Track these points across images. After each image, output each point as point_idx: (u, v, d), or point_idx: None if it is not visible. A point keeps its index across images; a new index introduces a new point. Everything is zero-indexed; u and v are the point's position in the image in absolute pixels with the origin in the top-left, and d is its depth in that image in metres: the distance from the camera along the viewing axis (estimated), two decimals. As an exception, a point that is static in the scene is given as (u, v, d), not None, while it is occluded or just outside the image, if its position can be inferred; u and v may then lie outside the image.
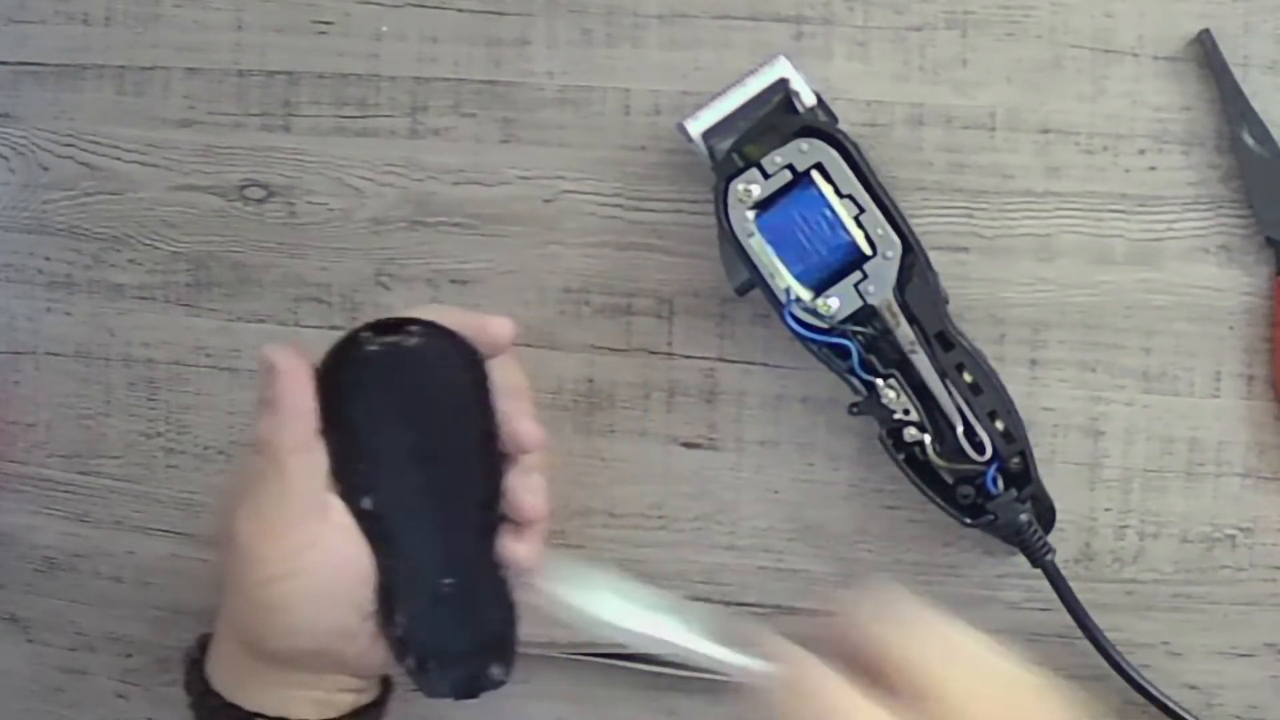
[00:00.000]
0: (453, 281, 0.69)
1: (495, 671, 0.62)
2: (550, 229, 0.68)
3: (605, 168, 0.68)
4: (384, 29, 0.69)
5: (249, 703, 0.59)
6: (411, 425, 0.60)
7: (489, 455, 0.61)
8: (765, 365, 0.68)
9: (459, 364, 0.60)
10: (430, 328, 0.59)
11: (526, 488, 0.61)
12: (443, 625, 0.61)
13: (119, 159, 0.71)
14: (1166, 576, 0.66)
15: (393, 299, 0.70)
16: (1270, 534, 0.66)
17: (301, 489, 0.58)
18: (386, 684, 0.65)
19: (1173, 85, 0.65)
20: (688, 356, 0.68)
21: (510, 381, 0.62)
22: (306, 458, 0.58)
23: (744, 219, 0.62)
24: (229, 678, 0.60)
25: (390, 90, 0.69)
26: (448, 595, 0.61)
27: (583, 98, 0.68)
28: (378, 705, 0.64)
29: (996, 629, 0.67)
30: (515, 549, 0.61)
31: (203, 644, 0.62)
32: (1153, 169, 0.65)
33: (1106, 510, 0.66)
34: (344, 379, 0.59)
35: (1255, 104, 0.64)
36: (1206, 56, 0.64)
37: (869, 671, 0.50)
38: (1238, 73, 0.64)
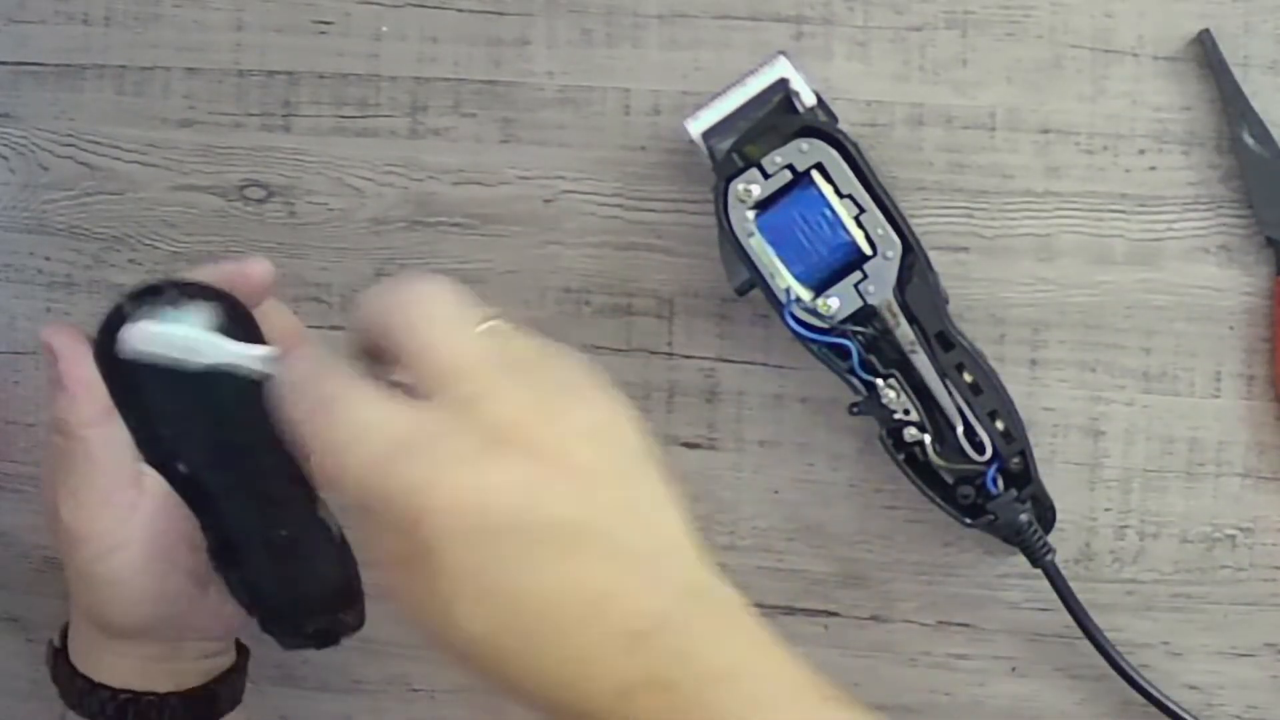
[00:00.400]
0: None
1: (348, 617, 0.62)
2: (550, 229, 0.68)
3: (605, 168, 0.68)
4: (384, 29, 0.69)
5: (114, 680, 0.60)
6: (194, 386, 0.57)
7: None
8: (765, 365, 0.68)
9: (218, 318, 0.57)
10: (182, 287, 0.57)
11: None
12: (285, 577, 0.60)
13: (119, 159, 0.71)
14: (1166, 576, 0.66)
15: (393, 299, 0.70)
16: (1270, 534, 0.66)
17: (108, 462, 0.57)
18: (242, 648, 0.65)
19: (1173, 85, 0.65)
20: (688, 356, 0.68)
21: (282, 325, 0.59)
22: (105, 430, 0.57)
23: (744, 219, 0.62)
24: (89, 659, 0.61)
25: (390, 90, 0.69)
26: (283, 547, 0.60)
27: (583, 98, 0.68)
28: (236, 671, 0.64)
29: (997, 629, 0.67)
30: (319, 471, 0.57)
31: (63, 634, 0.63)
32: (1153, 169, 0.65)
33: (1106, 510, 0.66)
34: (117, 353, 0.57)
35: (1255, 104, 0.64)
36: (1207, 56, 0.64)
37: (377, 352, 0.48)
38: (1238, 73, 0.64)
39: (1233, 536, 0.66)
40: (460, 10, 0.68)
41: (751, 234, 0.62)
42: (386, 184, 0.69)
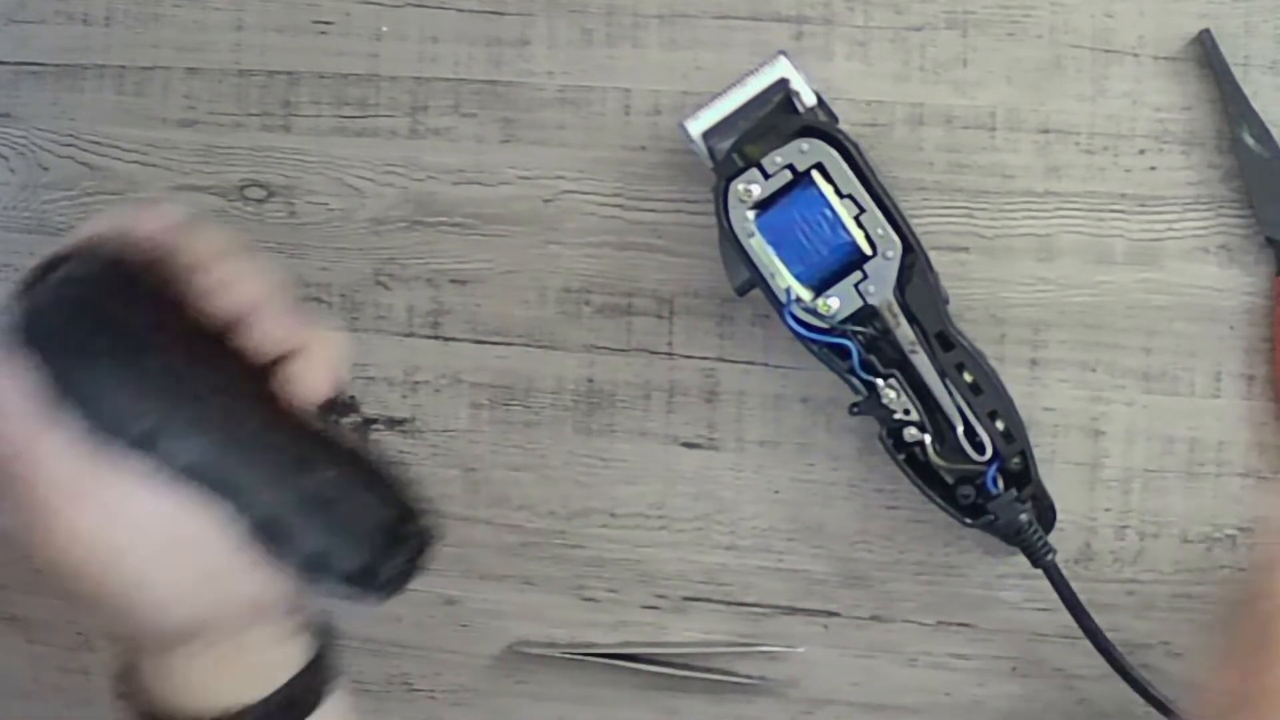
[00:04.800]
0: (452, 281, 0.69)
1: (411, 529, 0.55)
2: (550, 229, 0.68)
3: (605, 168, 0.68)
4: (384, 29, 0.69)
5: (188, 708, 0.54)
6: (134, 354, 0.53)
7: (223, 340, 0.54)
8: (765, 365, 0.68)
9: (121, 276, 0.53)
10: (68, 261, 0.52)
11: (266, 337, 0.53)
12: (338, 531, 0.54)
13: (119, 159, 0.71)
14: (1166, 576, 0.66)
15: (393, 299, 0.70)
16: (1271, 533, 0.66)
17: (67, 470, 0.51)
18: (324, 631, 0.59)
19: (1173, 85, 0.65)
20: (688, 356, 0.68)
21: (202, 250, 0.54)
22: (53, 435, 0.51)
23: (744, 219, 0.62)
24: (153, 693, 0.55)
25: (390, 90, 0.69)
26: (314, 494, 0.54)
27: (583, 98, 0.68)
28: (317, 663, 0.58)
29: (997, 629, 0.67)
30: (297, 389, 0.54)
31: (122, 677, 0.56)
32: (1153, 169, 0.65)
33: (1107, 510, 0.66)
34: (36, 347, 0.52)
35: (1255, 104, 0.64)
36: (1207, 56, 0.64)
37: None
38: (1238, 73, 0.64)
39: (1233, 536, 0.66)
40: (460, 10, 0.68)
41: (752, 234, 0.62)
42: (386, 184, 0.69)
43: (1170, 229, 0.65)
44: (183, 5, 0.70)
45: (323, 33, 0.69)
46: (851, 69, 0.66)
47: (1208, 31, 0.64)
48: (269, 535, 0.54)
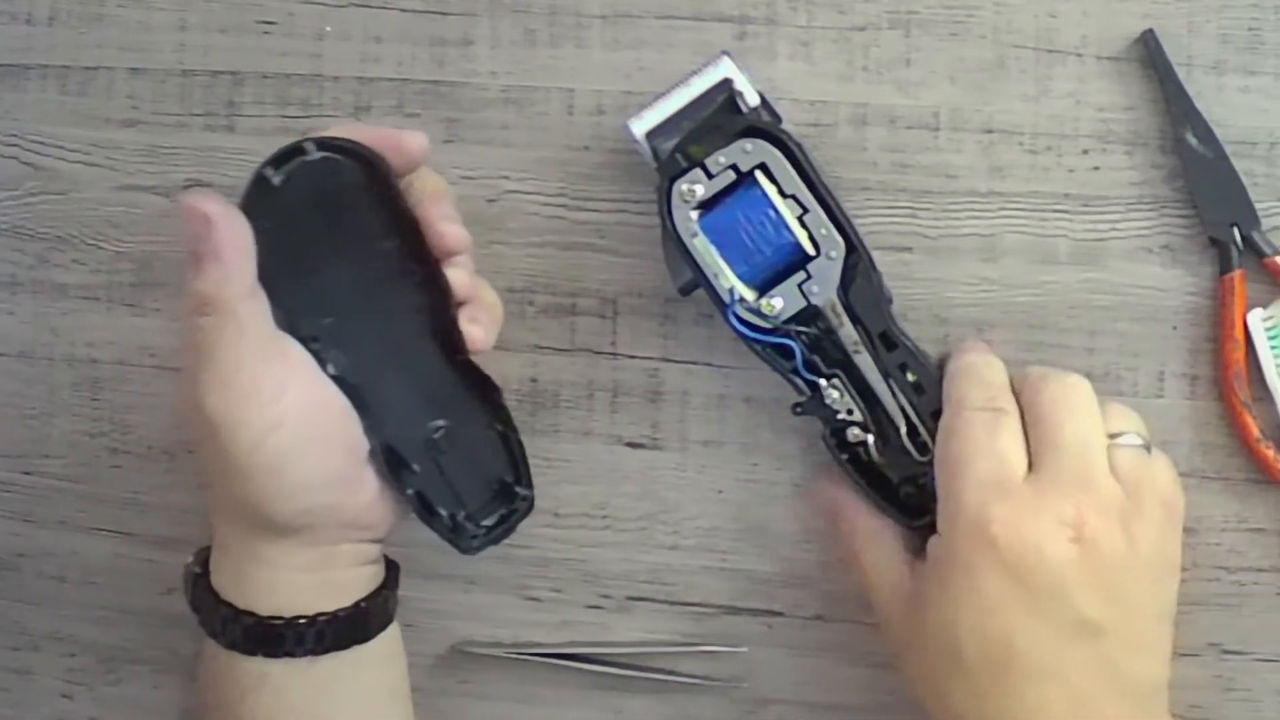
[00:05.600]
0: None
1: (522, 492, 0.62)
2: (494, 229, 0.68)
3: (549, 167, 0.68)
4: (328, 29, 0.69)
5: (262, 606, 0.58)
6: (340, 253, 0.58)
7: (423, 267, 0.60)
8: (709, 365, 0.68)
9: (366, 178, 0.58)
10: (331, 146, 0.57)
11: (459, 279, 0.60)
12: (454, 475, 0.60)
13: (63, 159, 0.70)
14: (1109, 576, 0.66)
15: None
16: (1214, 533, 0.66)
17: (257, 337, 0.56)
18: (392, 564, 0.63)
19: (1116, 85, 0.65)
20: (632, 356, 0.68)
21: (429, 187, 0.60)
22: (255, 304, 0.56)
23: (687, 219, 0.61)
24: (237, 581, 0.59)
25: (334, 90, 0.69)
26: (443, 440, 0.60)
27: (526, 97, 0.68)
28: (387, 588, 0.62)
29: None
30: (472, 332, 0.60)
31: (201, 559, 0.61)
32: (1096, 169, 0.65)
33: (1050, 510, 0.66)
34: (262, 218, 0.56)
35: (1198, 104, 0.64)
36: (1150, 56, 0.64)
37: None
38: (1181, 73, 0.64)
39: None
40: (404, 10, 0.68)
41: (695, 234, 0.61)
42: (331, 184, 0.69)
43: (1114, 229, 0.65)
44: (126, 5, 0.70)
45: (266, 33, 0.69)
46: (795, 69, 0.66)
47: (1151, 31, 0.64)
48: (389, 462, 0.60)
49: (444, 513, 0.61)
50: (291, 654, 0.58)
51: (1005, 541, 0.56)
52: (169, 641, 0.71)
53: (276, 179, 0.56)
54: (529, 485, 0.63)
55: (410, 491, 0.60)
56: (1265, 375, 0.64)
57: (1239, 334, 0.64)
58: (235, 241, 0.55)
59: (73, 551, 0.72)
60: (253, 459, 0.55)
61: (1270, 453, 0.64)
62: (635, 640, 0.69)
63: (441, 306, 0.60)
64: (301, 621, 0.58)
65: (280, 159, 0.56)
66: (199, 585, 0.60)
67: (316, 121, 0.69)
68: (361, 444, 0.58)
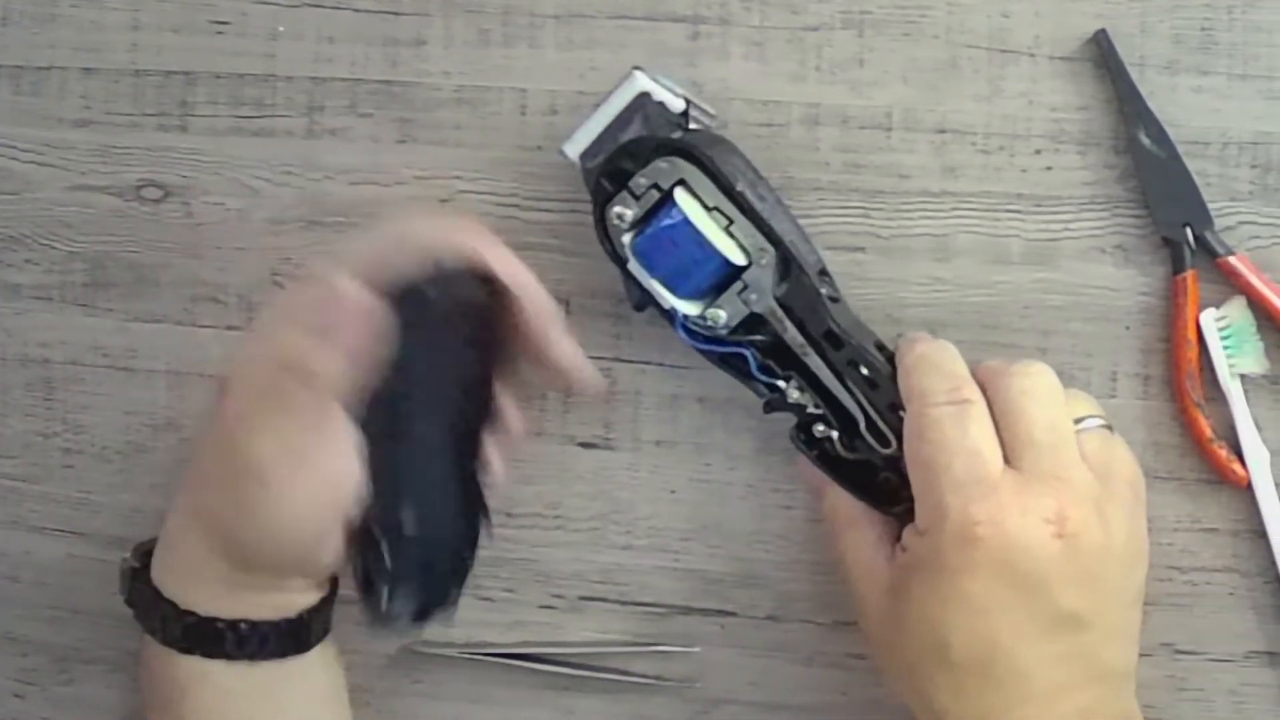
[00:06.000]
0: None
1: (454, 595, 0.63)
2: (447, 229, 0.68)
3: (501, 168, 0.68)
4: (280, 29, 0.69)
5: (203, 608, 0.58)
6: (444, 374, 0.60)
7: (489, 391, 0.63)
8: (662, 365, 0.68)
9: (497, 323, 0.61)
10: (488, 285, 0.60)
11: (511, 407, 0.63)
12: (418, 556, 0.61)
13: (15, 159, 0.70)
14: (1061, 576, 0.66)
15: (291, 299, 0.69)
16: (1166, 533, 0.66)
17: (330, 416, 0.57)
18: (333, 578, 0.64)
19: (1069, 85, 0.65)
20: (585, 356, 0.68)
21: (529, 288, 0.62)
22: (346, 403, 0.57)
23: (622, 244, 0.61)
24: (183, 584, 0.59)
25: (287, 90, 0.69)
26: (427, 526, 0.61)
27: (479, 98, 0.68)
28: (328, 601, 0.63)
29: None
30: (495, 463, 0.63)
31: (140, 554, 0.61)
32: (1049, 169, 0.65)
33: (1002, 510, 0.66)
34: (399, 327, 0.58)
35: (1151, 104, 0.64)
36: (1103, 57, 0.64)
37: None
38: (1134, 73, 0.64)
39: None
40: (357, 10, 0.68)
41: (628, 259, 0.61)
42: (283, 184, 0.69)
43: (1066, 229, 0.65)
44: (79, 5, 0.70)
45: (219, 33, 0.69)
46: (748, 69, 0.66)
47: (1104, 32, 0.64)
48: (362, 537, 0.59)
49: (389, 587, 0.60)
50: (231, 656, 0.58)
51: (991, 543, 0.56)
52: (121, 641, 0.71)
53: (443, 303, 0.59)
54: (463, 586, 0.63)
55: (379, 560, 0.60)
56: (1218, 375, 0.64)
57: (1192, 334, 0.64)
58: (358, 339, 0.56)
59: (25, 551, 0.72)
60: (268, 511, 0.57)
61: (1223, 453, 0.64)
62: (588, 640, 0.69)
63: (478, 423, 0.62)
64: (243, 626, 0.58)
65: (447, 283, 0.59)
66: (138, 580, 0.60)
67: (270, 122, 0.69)
68: (352, 514, 0.59)
